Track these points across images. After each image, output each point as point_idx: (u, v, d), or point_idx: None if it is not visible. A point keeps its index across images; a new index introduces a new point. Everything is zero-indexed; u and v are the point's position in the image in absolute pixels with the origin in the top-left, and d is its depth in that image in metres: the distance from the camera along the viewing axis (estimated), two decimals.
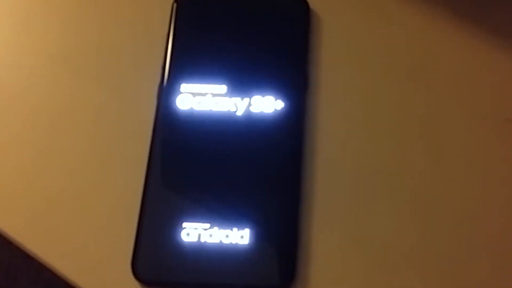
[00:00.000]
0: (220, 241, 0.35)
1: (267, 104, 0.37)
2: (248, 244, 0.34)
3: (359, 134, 0.37)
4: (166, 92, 0.38)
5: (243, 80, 0.38)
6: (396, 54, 0.39)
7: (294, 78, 0.38)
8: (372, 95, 0.38)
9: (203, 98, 0.37)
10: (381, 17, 0.40)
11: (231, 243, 0.34)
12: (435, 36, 0.39)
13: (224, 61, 0.38)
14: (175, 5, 0.40)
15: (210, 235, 0.35)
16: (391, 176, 0.36)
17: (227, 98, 0.37)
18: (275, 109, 0.37)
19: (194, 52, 0.39)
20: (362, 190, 0.36)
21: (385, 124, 0.37)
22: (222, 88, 0.38)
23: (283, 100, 0.37)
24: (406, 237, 0.35)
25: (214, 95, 0.37)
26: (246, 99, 0.37)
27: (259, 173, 0.36)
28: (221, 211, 0.35)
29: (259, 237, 0.35)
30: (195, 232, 0.35)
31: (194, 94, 0.38)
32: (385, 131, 0.37)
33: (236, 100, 0.37)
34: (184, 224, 0.35)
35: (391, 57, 0.39)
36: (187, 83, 0.38)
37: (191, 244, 0.35)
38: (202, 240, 0.35)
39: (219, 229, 0.35)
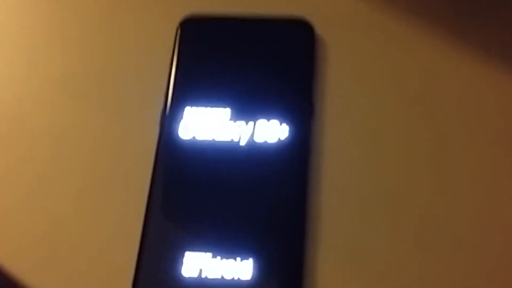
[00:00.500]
0: (222, 276, 0.33)
1: (271, 130, 0.36)
2: (251, 279, 0.33)
3: (366, 162, 0.36)
4: (169, 117, 0.37)
5: (247, 103, 0.37)
6: (403, 80, 0.38)
7: (299, 103, 0.36)
8: (378, 122, 0.37)
9: (206, 125, 0.37)
10: (388, 42, 0.38)
11: (233, 279, 0.33)
12: (443, 62, 0.38)
13: (229, 85, 0.37)
14: (179, 29, 0.39)
15: (212, 267, 0.33)
16: (398, 206, 0.35)
17: (231, 123, 0.37)
18: (279, 139, 0.36)
19: (198, 76, 0.38)
20: (368, 221, 0.35)
21: (392, 152, 0.36)
22: (226, 111, 0.37)
23: (288, 125, 0.36)
24: (412, 268, 0.33)
25: (217, 119, 0.37)
26: (251, 123, 0.36)
27: (262, 205, 0.35)
28: (224, 242, 0.34)
29: (263, 270, 0.33)
30: (197, 265, 0.33)
31: (197, 120, 0.37)
32: (392, 160, 0.36)
33: (241, 124, 0.36)
34: (186, 255, 0.34)
35: (398, 83, 0.37)
36: (191, 106, 0.37)
37: (192, 280, 0.33)
38: (203, 275, 0.33)
39: (221, 259, 0.34)
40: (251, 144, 0.36)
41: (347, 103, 0.37)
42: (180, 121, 0.37)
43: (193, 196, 0.35)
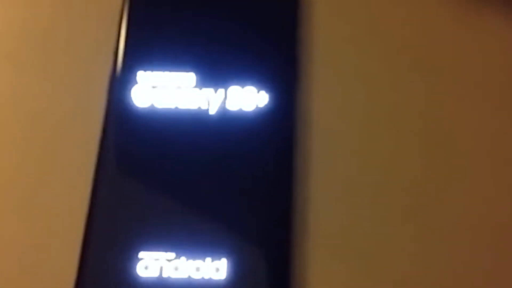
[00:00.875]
0: (189, 276, 0.26)
1: (247, 98, 0.29)
2: (225, 278, 0.26)
3: (357, 136, 0.30)
4: (119, 83, 0.30)
5: (217, 67, 0.30)
6: (397, 40, 0.32)
7: (281, 65, 0.30)
8: (370, 88, 0.31)
9: (165, 91, 0.30)
10: None
11: (203, 278, 0.26)
12: (442, 18, 0.32)
13: (194, 44, 0.30)
14: None
15: (176, 268, 0.26)
16: (390, 187, 0.29)
17: (196, 90, 0.30)
18: (257, 106, 0.29)
19: (155, 33, 0.31)
20: (359, 208, 0.29)
21: (386, 125, 0.30)
22: (190, 77, 0.30)
23: (267, 92, 0.29)
24: (405, 257, 0.28)
25: (179, 87, 0.30)
26: (221, 91, 0.29)
27: (238, 189, 0.28)
28: (190, 238, 0.27)
29: (239, 269, 0.26)
30: (156, 265, 0.26)
31: (154, 86, 0.30)
32: (385, 134, 0.30)
33: (208, 92, 0.29)
34: (141, 254, 0.27)
35: (392, 44, 0.32)
36: (145, 70, 0.30)
37: (150, 280, 0.26)
38: (165, 274, 0.26)
39: (187, 259, 0.27)
40: (223, 112, 0.29)
41: (336, 67, 0.31)
42: (131, 87, 0.29)
43: (150, 180, 0.28)
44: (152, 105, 0.29)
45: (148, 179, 0.28)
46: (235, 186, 0.28)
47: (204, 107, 0.29)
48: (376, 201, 0.29)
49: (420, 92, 0.31)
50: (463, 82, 0.31)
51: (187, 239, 0.27)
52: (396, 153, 0.30)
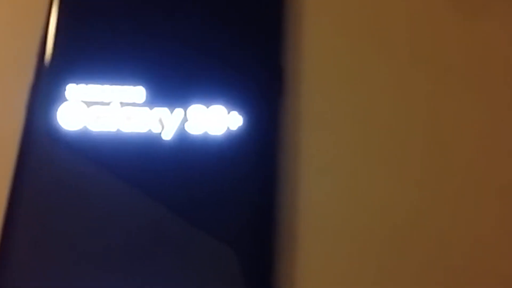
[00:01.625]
0: None
1: (214, 120, 0.22)
2: None
3: (352, 163, 0.23)
4: (41, 97, 0.22)
5: (174, 79, 0.23)
6: (394, 34, 0.25)
7: (259, 77, 0.23)
8: (367, 99, 0.24)
9: (105, 109, 0.22)
10: None
11: None
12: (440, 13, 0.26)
13: (143, 50, 0.23)
14: None
15: None
16: (386, 217, 0.23)
17: (146, 109, 0.22)
18: (229, 129, 0.22)
19: (91, 35, 0.23)
20: (350, 238, 0.22)
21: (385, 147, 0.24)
22: (139, 91, 0.22)
23: (241, 112, 0.22)
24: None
25: (124, 103, 0.22)
26: (179, 111, 0.22)
27: (205, 234, 0.21)
28: None
29: None
30: None
31: (89, 103, 0.22)
32: (384, 162, 0.24)
33: (162, 112, 0.22)
34: None
35: (389, 38, 0.25)
36: (77, 83, 0.22)
37: None
38: None
39: None
40: (182, 137, 0.22)
41: (328, 79, 0.24)
42: (61, 103, 0.22)
43: (79, 227, 0.20)
44: (85, 128, 0.22)
45: (77, 224, 0.21)
46: (200, 231, 0.20)
47: (156, 131, 0.22)
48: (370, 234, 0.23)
49: (420, 106, 0.25)
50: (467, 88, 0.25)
51: None
52: (391, 173, 0.23)
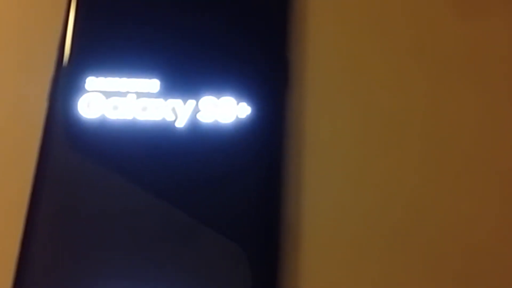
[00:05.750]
0: None
1: (224, 110, 0.24)
2: None
3: (355, 152, 0.25)
4: (63, 89, 0.24)
5: (186, 72, 0.24)
6: (398, 27, 0.27)
7: (266, 69, 0.24)
8: (371, 92, 0.25)
9: (122, 100, 0.24)
10: None
11: None
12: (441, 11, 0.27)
13: (157, 45, 0.25)
14: None
15: None
16: (388, 201, 0.24)
17: (160, 101, 0.24)
18: (238, 118, 0.23)
19: (108, 31, 0.25)
20: (352, 224, 0.23)
21: (388, 136, 0.25)
22: (153, 84, 0.24)
23: (249, 103, 0.24)
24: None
25: (140, 95, 0.24)
26: (191, 102, 0.24)
27: (214, 218, 0.22)
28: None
29: None
30: None
31: (107, 94, 0.24)
32: (386, 147, 0.25)
33: (176, 103, 0.24)
34: None
35: (393, 32, 0.26)
36: (97, 76, 0.24)
37: None
38: None
39: None
40: (194, 125, 0.23)
41: (333, 71, 0.26)
42: (81, 95, 0.23)
43: (101, 209, 0.22)
44: (103, 116, 0.23)
45: (99, 207, 0.22)
46: (210, 215, 0.22)
47: (170, 119, 0.23)
48: (370, 221, 0.24)
49: (421, 101, 0.26)
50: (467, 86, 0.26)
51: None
52: (395, 167, 0.24)
